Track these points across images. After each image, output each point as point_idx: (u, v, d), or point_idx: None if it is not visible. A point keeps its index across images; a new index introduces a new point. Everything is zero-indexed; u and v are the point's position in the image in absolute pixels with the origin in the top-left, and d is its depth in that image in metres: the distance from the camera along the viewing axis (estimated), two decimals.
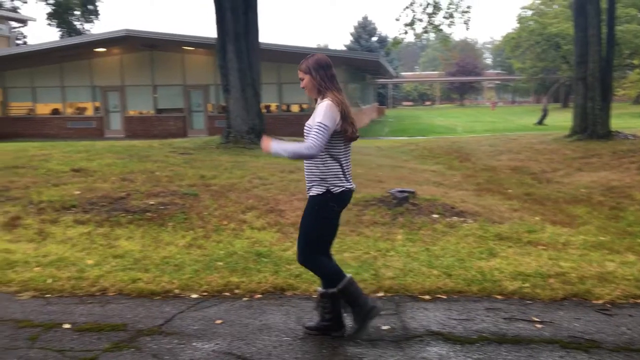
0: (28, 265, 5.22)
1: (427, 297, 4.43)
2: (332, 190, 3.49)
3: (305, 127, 3.56)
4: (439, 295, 4.45)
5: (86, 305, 4.36)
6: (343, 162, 3.55)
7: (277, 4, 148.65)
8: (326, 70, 3.57)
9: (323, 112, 3.42)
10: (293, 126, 21.66)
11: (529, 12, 45.50)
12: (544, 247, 5.68)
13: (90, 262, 5.30)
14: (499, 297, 4.42)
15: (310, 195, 3.57)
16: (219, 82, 17.78)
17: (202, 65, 27.03)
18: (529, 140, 16.00)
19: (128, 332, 3.84)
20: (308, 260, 3.62)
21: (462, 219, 6.59)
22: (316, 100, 3.61)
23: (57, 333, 3.84)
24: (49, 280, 4.82)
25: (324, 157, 3.50)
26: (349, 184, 3.58)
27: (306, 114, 22.11)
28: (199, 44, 25.08)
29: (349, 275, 3.65)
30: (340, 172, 3.53)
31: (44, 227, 6.39)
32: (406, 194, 7.09)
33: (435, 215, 6.64)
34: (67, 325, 3.96)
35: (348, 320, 3.86)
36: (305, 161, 3.58)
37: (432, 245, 5.75)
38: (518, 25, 45.70)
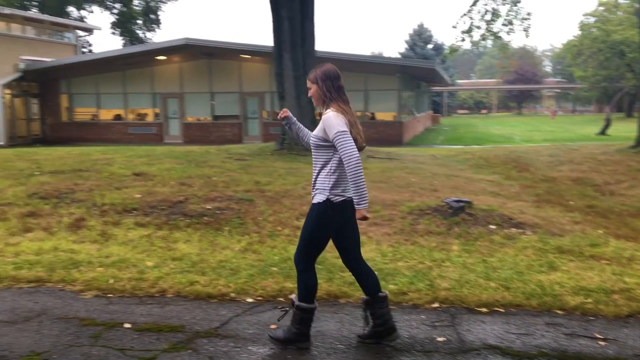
0: (91, 265, 5.41)
1: (484, 309, 4.33)
2: (332, 199, 3.51)
3: (312, 138, 3.60)
4: (496, 308, 4.35)
5: (146, 306, 4.48)
6: (345, 173, 3.50)
7: (333, 11, 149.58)
8: (333, 81, 3.60)
9: (334, 122, 3.45)
10: None
11: (592, 19, 44.21)
12: (608, 262, 5.46)
13: (149, 263, 5.45)
14: (559, 312, 4.29)
15: (312, 202, 3.60)
16: (273, 89, 18.02)
17: (257, 72, 27.46)
18: (590, 151, 15.48)
19: (186, 334, 3.92)
20: (300, 262, 3.70)
21: (520, 230, 6.43)
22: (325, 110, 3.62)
23: (118, 332, 3.96)
24: (111, 281, 4.99)
25: (327, 166, 3.52)
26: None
27: (360, 121, 22.02)
28: (255, 52, 25.52)
29: (316, 304, 3.70)
30: (342, 183, 3.52)
31: (106, 229, 6.62)
32: (462, 204, 6.97)
33: (492, 226, 6.50)
34: (127, 325, 4.08)
35: (405, 330, 3.84)
36: (314, 169, 3.62)
37: (489, 256, 5.63)
38: (580, 32, 44.45)
